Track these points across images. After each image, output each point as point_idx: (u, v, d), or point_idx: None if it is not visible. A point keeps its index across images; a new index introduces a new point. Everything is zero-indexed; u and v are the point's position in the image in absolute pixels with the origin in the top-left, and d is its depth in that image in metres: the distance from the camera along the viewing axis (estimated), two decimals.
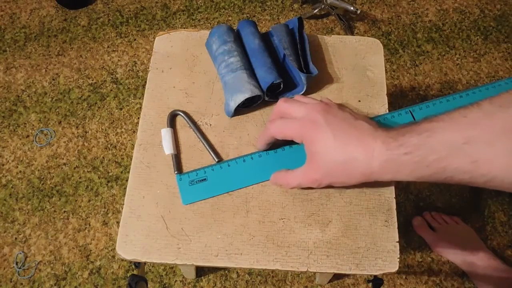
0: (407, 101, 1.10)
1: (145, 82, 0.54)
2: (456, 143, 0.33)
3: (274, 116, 0.45)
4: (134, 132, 1.05)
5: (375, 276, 0.50)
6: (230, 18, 1.22)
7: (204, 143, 0.49)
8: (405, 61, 1.15)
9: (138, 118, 0.68)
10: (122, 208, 0.56)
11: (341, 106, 0.43)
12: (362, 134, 0.39)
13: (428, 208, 0.97)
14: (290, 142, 0.48)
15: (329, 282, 0.89)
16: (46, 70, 1.13)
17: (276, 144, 0.48)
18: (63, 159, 1.01)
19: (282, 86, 0.51)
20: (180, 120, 0.51)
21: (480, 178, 0.33)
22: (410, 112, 0.50)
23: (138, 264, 0.50)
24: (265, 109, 0.52)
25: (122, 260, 0.68)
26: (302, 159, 0.43)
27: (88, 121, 1.06)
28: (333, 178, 0.41)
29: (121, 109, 1.08)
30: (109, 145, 1.03)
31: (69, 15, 1.22)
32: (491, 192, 0.98)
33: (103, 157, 1.02)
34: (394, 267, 0.43)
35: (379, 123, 0.46)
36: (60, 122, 1.06)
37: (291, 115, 0.43)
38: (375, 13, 1.23)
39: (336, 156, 0.39)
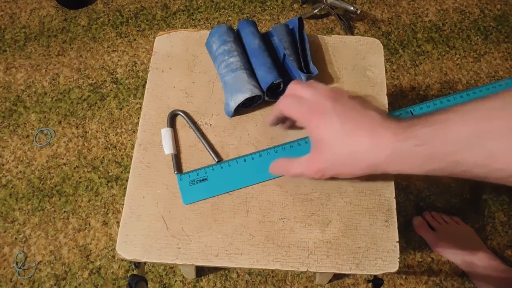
0: (407, 101, 1.10)
1: (145, 82, 0.54)
2: (471, 135, 0.32)
3: (286, 94, 0.43)
4: (134, 132, 1.05)
5: (375, 276, 0.50)
6: (230, 18, 1.22)
7: (204, 143, 0.49)
8: (405, 61, 1.15)
9: (138, 118, 0.68)
10: (122, 208, 0.56)
11: (352, 95, 0.41)
12: (370, 124, 0.37)
13: (428, 208, 0.97)
14: (294, 136, 0.48)
15: (329, 282, 0.89)
16: (46, 70, 1.13)
17: (276, 140, 0.48)
18: (63, 159, 1.01)
19: (282, 86, 0.51)
20: (180, 120, 0.51)
21: (497, 173, 0.32)
22: (411, 112, 0.50)
23: (138, 264, 0.50)
24: (265, 109, 0.52)
25: (122, 260, 0.68)
26: None
27: (88, 121, 1.06)
28: (338, 168, 0.39)
29: (121, 109, 1.08)
30: (109, 145, 1.03)
31: (69, 15, 1.22)
32: (491, 192, 0.98)
33: (103, 157, 1.02)
34: (394, 267, 0.43)
35: (390, 114, 0.45)
36: (60, 122, 1.06)
37: (301, 97, 0.41)
38: (375, 13, 1.23)
39: (342, 146, 0.37)
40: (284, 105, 0.42)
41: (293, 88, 0.43)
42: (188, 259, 0.43)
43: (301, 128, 0.49)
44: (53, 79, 1.12)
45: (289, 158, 0.43)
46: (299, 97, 0.41)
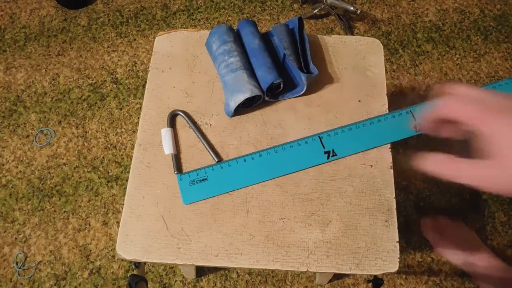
0: (407, 101, 1.10)
1: (145, 82, 0.54)
2: None
3: (445, 95, 0.36)
4: (134, 132, 1.05)
5: (375, 276, 0.50)
6: (230, 18, 1.22)
7: (204, 143, 0.49)
8: (405, 61, 1.15)
9: (138, 118, 0.68)
10: (122, 208, 0.56)
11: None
12: None
13: (428, 208, 0.97)
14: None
15: (329, 282, 0.89)
16: (46, 70, 1.13)
17: (276, 139, 0.48)
18: (63, 159, 1.01)
19: (282, 86, 0.51)
20: (180, 120, 0.51)
21: None
22: (411, 112, 0.50)
23: (138, 264, 0.50)
24: (265, 109, 0.52)
25: (122, 260, 0.68)
26: (304, 159, 0.43)
27: (88, 121, 1.06)
28: None
29: (121, 109, 1.08)
30: (109, 145, 1.03)
31: (69, 15, 1.22)
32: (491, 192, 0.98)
33: (103, 157, 1.01)
34: (394, 267, 0.43)
35: None
36: (60, 122, 1.06)
37: (466, 95, 0.34)
38: (375, 13, 1.23)
39: None
40: (448, 105, 0.34)
41: (453, 87, 0.36)
42: (188, 259, 0.43)
43: (463, 136, 0.39)
44: (53, 79, 1.12)
45: (453, 157, 0.34)
46: (463, 95, 0.34)
